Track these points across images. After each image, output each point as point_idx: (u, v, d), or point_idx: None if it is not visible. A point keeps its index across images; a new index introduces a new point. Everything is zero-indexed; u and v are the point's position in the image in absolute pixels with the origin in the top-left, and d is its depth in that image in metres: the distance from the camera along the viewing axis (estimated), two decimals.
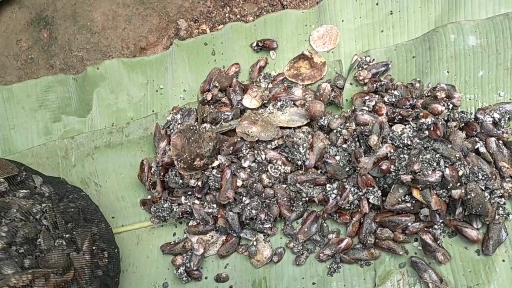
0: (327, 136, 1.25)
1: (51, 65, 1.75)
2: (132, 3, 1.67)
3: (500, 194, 1.09)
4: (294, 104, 1.34)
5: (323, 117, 1.26)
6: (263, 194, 1.25)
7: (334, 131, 1.24)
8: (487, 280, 1.09)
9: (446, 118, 1.16)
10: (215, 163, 1.27)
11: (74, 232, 1.15)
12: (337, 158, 1.20)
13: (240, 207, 1.27)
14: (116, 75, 1.60)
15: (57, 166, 1.54)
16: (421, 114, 1.12)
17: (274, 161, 1.25)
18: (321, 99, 1.32)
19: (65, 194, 1.24)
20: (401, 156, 1.09)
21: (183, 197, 1.34)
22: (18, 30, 1.83)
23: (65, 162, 1.55)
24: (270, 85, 1.41)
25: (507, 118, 1.16)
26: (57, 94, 1.65)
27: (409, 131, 1.12)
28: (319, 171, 1.24)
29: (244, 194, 1.26)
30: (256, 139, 1.25)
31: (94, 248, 1.18)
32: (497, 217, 1.09)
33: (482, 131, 1.15)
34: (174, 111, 1.43)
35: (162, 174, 1.35)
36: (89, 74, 1.61)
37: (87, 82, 1.62)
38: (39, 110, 1.64)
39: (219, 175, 1.26)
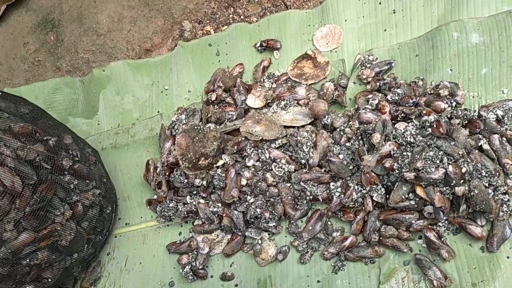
0: (331, 135, 1.26)
1: (58, 67, 1.77)
2: (137, 5, 1.69)
3: (504, 191, 1.09)
4: (297, 103, 1.35)
5: (327, 116, 1.27)
6: (268, 193, 1.25)
7: (338, 129, 1.25)
8: (492, 277, 1.09)
9: (449, 116, 1.16)
10: (220, 163, 1.28)
11: None
12: (341, 156, 1.20)
13: (245, 206, 1.28)
14: (122, 76, 1.61)
15: None
16: (424, 111, 1.12)
17: (278, 160, 1.26)
18: (325, 98, 1.32)
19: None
20: (404, 153, 1.10)
21: (188, 197, 1.36)
22: (25, 33, 1.85)
23: None
24: (274, 85, 1.42)
25: (510, 115, 1.16)
26: (64, 96, 1.67)
27: (412, 128, 1.12)
28: (323, 170, 1.25)
29: (249, 193, 1.27)
30: (260, 138, 1.26)
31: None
32: (501, 213, 1.09)
33: (486, 128, 1.15)
34: (179, 111, 1.45)
35: (167, 174, 1.36)
36: (95, 76, 1.63)
37: (93, 84, 1.64)
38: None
39: (224, 174, 1.27)
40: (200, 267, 1.31)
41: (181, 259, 1.34)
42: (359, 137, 1.21)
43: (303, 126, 1.31)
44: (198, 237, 1.34)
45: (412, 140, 1.10)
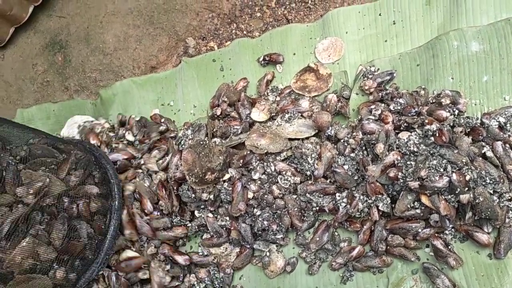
0: (335, 146, 1.27)
1: (66, 87, 1.81)
2: (142, 24, 1.73)
3: (509, 198, 1.09)
4: (301, 115, 1.37)
5: (330, 128, 1.29)
6: (274, 205, 1.27)
7: (342, 140, 1.26)
8: (500, 284, 1.09)
9: (451, 124, 1.17)
10: (226, 177, 1.30)
11: None
12: (346, 167, 1.21)
13: (252, 218, 1.29)
14: (128, 94, 1.64)
15: None
16: (426, 121, 1.14)
17: (284, 172, 1.27)
18: (328, 110, 1.34)
19: None
20: (408, 163, 1.11)
21: (196, 211, 1.37)
22: (33, 54, 1.90)
23: None
24: (278, 98, 1.44)
25: None
26: None
27: (415, 138, 1.13)
28: (328, 181, 1.26)
29: (256, 205, 1.28)
30: (265, 151, 1.28)
31: None
32: (507, 220, 1.09)
33: (488, 135, 1.15)
34: (185, 126, 1.47)
35: (175, 189, 1.38)
36: (103, 97, 1.65)
37: (102, 105, 1.67)
38: (59, 132, 1.69)
39: (230, 188, 1.29)
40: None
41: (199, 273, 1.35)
42: (363, 148, 1.22)
43: (307, 138, 1.32)
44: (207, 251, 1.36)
45: (415, 149, 1.11)
